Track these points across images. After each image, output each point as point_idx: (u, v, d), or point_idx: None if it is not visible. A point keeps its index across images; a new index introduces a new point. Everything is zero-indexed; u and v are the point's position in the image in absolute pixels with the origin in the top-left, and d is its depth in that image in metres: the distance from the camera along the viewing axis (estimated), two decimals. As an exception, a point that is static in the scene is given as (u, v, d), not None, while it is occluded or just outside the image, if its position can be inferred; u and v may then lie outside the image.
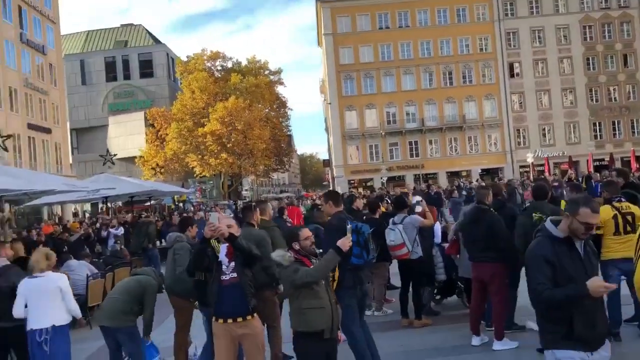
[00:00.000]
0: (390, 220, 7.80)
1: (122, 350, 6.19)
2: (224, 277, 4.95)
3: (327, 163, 74.37)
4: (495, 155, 50.73)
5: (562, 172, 37.25)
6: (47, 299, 5.67)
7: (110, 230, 16.12)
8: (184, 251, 6.58)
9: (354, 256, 5.43)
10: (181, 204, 33.37)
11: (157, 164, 51.65)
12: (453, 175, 48.16)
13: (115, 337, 6.11)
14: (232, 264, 4.97)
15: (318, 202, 16.49)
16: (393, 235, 7.45)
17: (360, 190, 41.79)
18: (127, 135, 56.50)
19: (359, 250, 5.56)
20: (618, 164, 38.55)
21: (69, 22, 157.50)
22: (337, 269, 5.81)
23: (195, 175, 53.13)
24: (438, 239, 8.42)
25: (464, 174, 49.25)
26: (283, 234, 6.00)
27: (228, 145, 49.49)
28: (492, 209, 6.72)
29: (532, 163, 42.34)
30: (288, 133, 62.88)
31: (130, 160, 53.63)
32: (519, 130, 50.91)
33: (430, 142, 51.06)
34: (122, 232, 16.65)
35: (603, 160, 40.61)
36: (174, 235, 6.95)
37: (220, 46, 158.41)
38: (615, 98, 50.77)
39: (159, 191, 21.72)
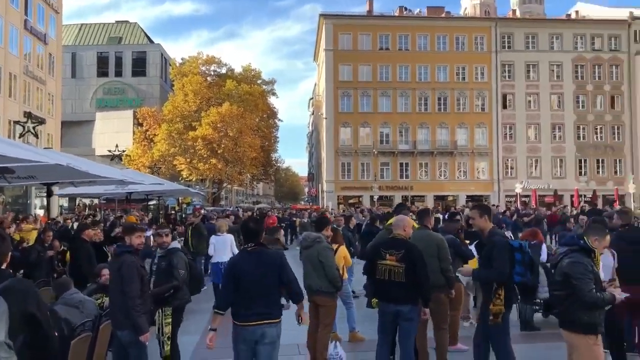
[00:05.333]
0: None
1: None
2: None
3: (310, 177, 74.37)
4: (483, 183, 51.47)
5: (546, 205, 37.51)
6: (225, 246, 11.01)
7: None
8: (328, 251, 6.60)
9: (516, 274, 5.47)
10: (184, 206, 32.91)
11: (143, 164, 50.64)
12: (439, 199, 48.63)
13: None
14: None
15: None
16: None
17: (342, 207, 41.79)
18: (113, 133, 55.25)
19: (522, 269, 5.59)
20: (599, 201, 39.63)
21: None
22: (503, 288, 5.74)
23: (180, 179, 52.27)
24: (544, 258, 8.53)
25: (450, 199, 49.79)
26: None
27: (218, 151, 49.04)
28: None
29: (519, 194, 43.10)
30: (276, 144, 62.66)
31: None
32: (507, 160, 51.90)
33: (421, 165, 51.51)
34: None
35: (585, 196, 40.97)
36: (313, 235, 6.84)
37: (207, 51, 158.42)
38: (601, 137, 52.28)
39: (177, 190, 21.26)
